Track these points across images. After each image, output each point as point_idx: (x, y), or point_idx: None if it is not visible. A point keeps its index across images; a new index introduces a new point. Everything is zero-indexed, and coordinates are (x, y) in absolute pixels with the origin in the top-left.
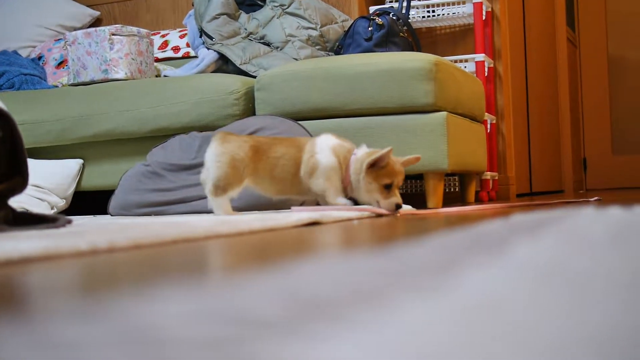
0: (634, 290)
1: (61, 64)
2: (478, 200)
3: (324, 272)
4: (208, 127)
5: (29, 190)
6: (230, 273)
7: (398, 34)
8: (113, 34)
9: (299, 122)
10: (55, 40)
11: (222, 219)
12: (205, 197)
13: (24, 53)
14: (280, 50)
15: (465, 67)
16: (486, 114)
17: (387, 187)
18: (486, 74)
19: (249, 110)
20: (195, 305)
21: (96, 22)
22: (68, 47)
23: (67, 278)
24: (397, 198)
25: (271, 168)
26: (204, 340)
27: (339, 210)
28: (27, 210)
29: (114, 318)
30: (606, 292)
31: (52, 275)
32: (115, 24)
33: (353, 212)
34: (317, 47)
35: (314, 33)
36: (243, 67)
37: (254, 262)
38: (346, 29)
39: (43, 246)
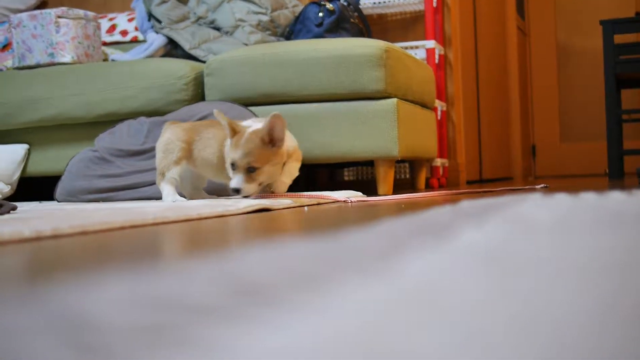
0: (577, 274)
1: (5, 46)
2: (428, 187)
3: (266, 258)
4: (157, 113)
5: None
6: (173, 259)
7: (349, 20)
8: (59, 17)
9: (249, 107)
10: None
11: (170, 205)
12: (153, 183)
13: None
14: (230, 35)
15: (415, 54)
16: (437, 100)
17: (232, 167)
18: (437, 61)
19: (199, 95)
20: (135, 291)
21: (42, 5)
22: (12, 29)
23: (8, 264)
24: (235, 180)
25: (202, 149)
26: (140, 326)
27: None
28: None
29: (49, 305)
30: (549, 276)
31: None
32: (62, 6)
33: (305, 200)
34: (268, 32)
35: (264, 18)
36: (192, 52)
37: (199, 248)
38: (297, 14)
39: None
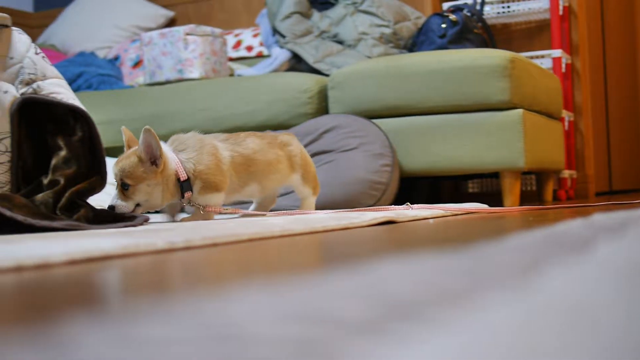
0: None
1: (137, 64)
2: (556, 199)
3: (403, 271)
4: (281, 126)
5: (108, 188)
6: (308, 272)
7: (472, 31)
8: (188, 34)
9: (372, 120)
10: (131, 41)
11: (296, 218)
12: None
13: (101, 54)
14: (353, 48)
15: (541, 63)
16: (563, 110)
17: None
18: (563, 70)
19: (322, 109)
20: (277, 303)
21: (171, 23)
22: (144, 47)
23: (146, 275)
24: (112, 196)
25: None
26: (285, 339)
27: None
28: (106, 208)
29: (194, 315)
30: None
31: (132, 272)
32: (190, 24)
33: (428, 211)
34: (390, 44)
35: (387, 31)
36: (316, 66)
37: (332, 261)
38: (419, 26)
39: (122, 244)
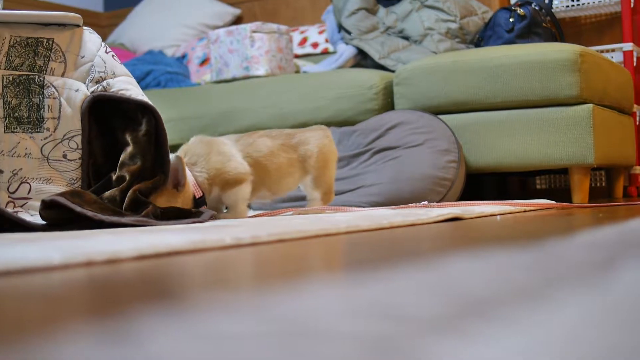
0: None
1: (204, 62)
2: (626, 195)
3: (473, 268)
4: (347, 122)
5: None
6: (377, 268)
7: (541, 25)
8: (254, 32)
9: (439, 116)
10: (198, 39)
11: (362, 214)
12: (344, 192)
13: (168, 52)
14: (419, 43)
15: (612, 57)
16: (635, 105)
17: None
18: (635, 64)
19: (388, 105)
20: (346, 300)
21: (237, 20)
22: (210, 45)
23: (215, 271)
24: None
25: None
26: (357, 336)
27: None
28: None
29: (265, 311)
30: None
31: (200, 267)
32: (256, 21)
33: (495, 207)
34: (457, 39)
35: (453, 25)
36: (382, 62)
37: (400, 257)
38: (486, 20)
39: (191, 239)
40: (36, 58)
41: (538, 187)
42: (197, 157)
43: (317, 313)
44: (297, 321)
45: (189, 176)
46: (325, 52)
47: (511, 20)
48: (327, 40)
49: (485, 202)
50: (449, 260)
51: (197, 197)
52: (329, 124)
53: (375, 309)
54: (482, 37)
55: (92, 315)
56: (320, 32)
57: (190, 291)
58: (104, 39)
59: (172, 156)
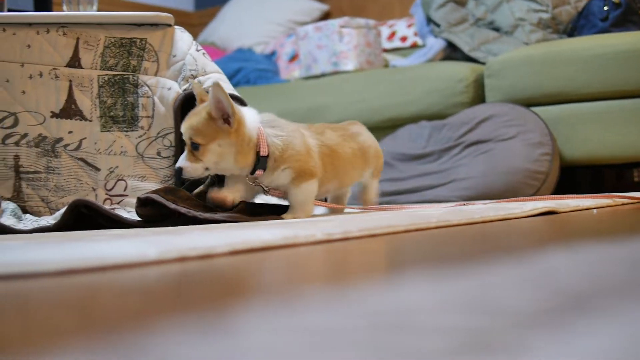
0: None
1: (293, 58)
2: None
3: (571, 262)
4: (437, 116)
5: None
6: (471, 262)
7: (637, 12)
8: (342, 27)
9: (531, 108)
10: (287, 35)
11: (453, 209)
12: (436, 187)
13: (258, 49)
14: (510, 35)
15: None
16: None
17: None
18: None
19: (479, 98)
20: (442, 294)
21: (325, 16)
22: (299, 41)
23: (308, 265)
24: (180, 158)
25: None
26: (455, 330)
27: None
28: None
29: (360, 305)
30: None
31: (293, 262)
32: (344, 16)
33: (591, 201)
34: (549, 30)
35: (545, 16)
36: (472, 54)
37: (494, 251)
38: (579, 9)
39: (283, 234)
40: (130, 58)
41: (636, 179)
42: (278, 125)
43: (412, 308)
44: (392, 316)
45: (255, 122)
46: (414, 46)
47: (605, 8)
48: (415, 34)
49: (580, 195)
50: (545, 255)
51: (261, 153)
52: (418, 118)
53: (471, 304)
54: (575, 27)
55: (187, 309)
56: (409, 26)
57: (283, 286)
58: (194, 37)
59: (211, 86)
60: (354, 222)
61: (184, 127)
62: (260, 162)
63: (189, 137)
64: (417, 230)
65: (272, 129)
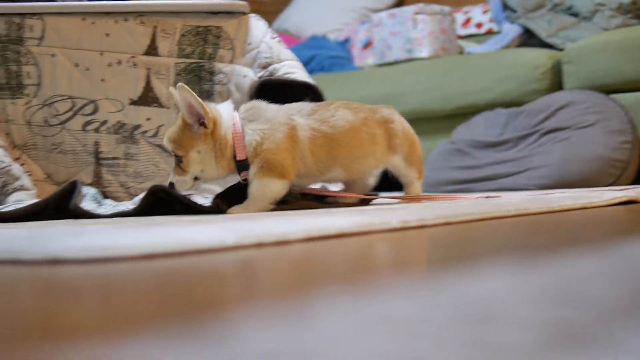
0: None
1: (367, 45)
2: None
3: None
4: (513, 104)
5: None
6: (552, 252)
7: None
8: (416, 13)
9: (611, 95)
10: (360, 22)
11: (531, 197)
12: (512, 175)
13: (332, 36)
14: (589, 20)
15: None
16: None
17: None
18: None
19: (556, 85)
20: (524, 285)
21: (399, 3)
22: (373, 28)
23: (384, 253)
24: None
25: None
26: (539, 322)
27: None
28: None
29: (438, 295)
30: None
31: (368, 250)
32: (418, 3)
33: None
34: (629, 15)
35: (626, 0)
36: (549, 40)
37: (575, 241)
38: None
39: (357, 221)
40: (206, 46)
41: None
42: (260, 116)
43: (493, 299)
44: (473, 307)
45: (229, 118)
46: (490, 32)
47: None
48: (491, 20)
49: None
50: (627, 245)
51: (237, 158)
52: (493, 105)
53: (555, 295)
54: None
55: (265, 296)
56: (484, 12)
57: (360, 274)
58: (269, 25)
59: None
60: (430, 209)
61: (164, 141)
62: (239, 165)
63: (171, 150)
64: (494, 218)
65: (253, 124)
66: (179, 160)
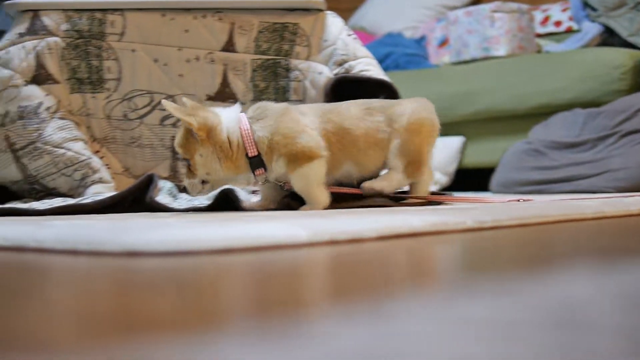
0: None
1: (443, 43)
2: None
3: None
4: (592, 104)
5: None
6: (634, 257)
7: None
8: (494, 11)
9: None
10: (437, 20)
11: (612, 199)
12: (590, 176)
13: (407, 34)
14: None
15: None
16: None
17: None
18: None
19: (637, 85)
20: (608, 290)
21: (476, 1)
22: (449, 26)
23: (459, 254)
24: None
25: None
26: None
27: None
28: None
29: (523, 297)
30: None
31: (441, 250)
32: (496, 0)
33: None
34: None
35: None
36: (631, 39)
37: None
38: None
39: (431, 221)
40: (282, 42)
41: None
42: (266, 115)
43: (577, 303)
44: (556, 311)
45: (230, 120)
46: (569, 31)
47: None
48: (570, 18)
49: None
50: None
51: (249, 154)
52: (571, 105)
53: (637, 300)
54: None
55: (341, 293)
56: (564, 10)
57: (436, 274)
58: (344, 22)
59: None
60: (505, 210)
61: (174, 145)
62: (253, 162)
63: (180, 154)
64: (570, 221)
65: (259, 122)
66: (188, 164)
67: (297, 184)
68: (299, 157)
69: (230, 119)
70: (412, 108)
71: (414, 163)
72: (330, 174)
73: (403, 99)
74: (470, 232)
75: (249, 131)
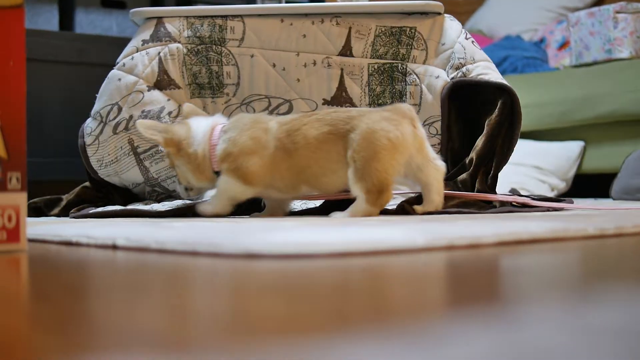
0: None
1: (563, 45)
2: None
3: None
4: None
5: (530, 171)
6: None
7: None
8: (617, 12)
9: None
10: (557, 22)
11: None
12: None
13: (526, 37)
14: None
15: None
16: None
17: None
18: None
19: None
20: None
21: (599, 1)
22: (570, 28)
23: (582, 261)
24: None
25: None
26: None
27: None
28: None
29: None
30: None
31: (564, 257)
32: (620, 1)
33: None
34: None
35: None
36: None
37: None
38: None
39: (551, 227)
40: (399, 46)
41: None
42: (236, 126)
43: None
44: None
45: (198, 133)
46: None
47: None
48: None
49: None
50: None
51: (214, 169)
52: None
53: None
54: None
55: (465, 298)
56: None
57: (562, 280)
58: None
59: None
60: (628, 217)
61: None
62: (219, 174)
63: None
64: None
65: (227, 133)
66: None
67: (219, 185)
68: (235, 171)
69: (199, 132)
70: (365, 131)
71: (376, 190)
72: (289, 194)
73: (371, 112)
74: (592, 239)
75: (215, 146)
